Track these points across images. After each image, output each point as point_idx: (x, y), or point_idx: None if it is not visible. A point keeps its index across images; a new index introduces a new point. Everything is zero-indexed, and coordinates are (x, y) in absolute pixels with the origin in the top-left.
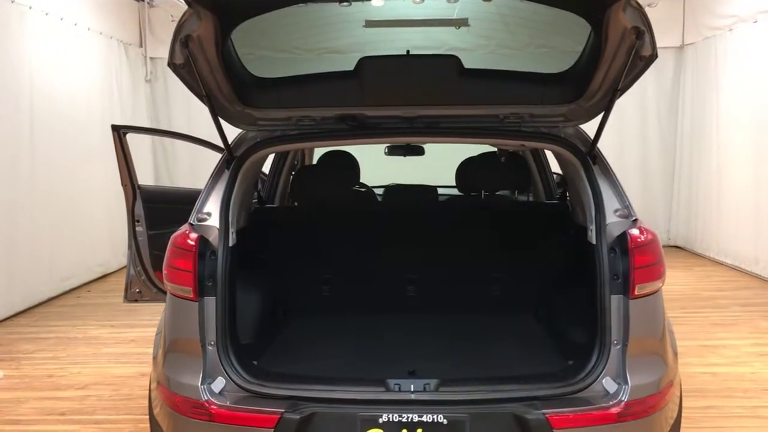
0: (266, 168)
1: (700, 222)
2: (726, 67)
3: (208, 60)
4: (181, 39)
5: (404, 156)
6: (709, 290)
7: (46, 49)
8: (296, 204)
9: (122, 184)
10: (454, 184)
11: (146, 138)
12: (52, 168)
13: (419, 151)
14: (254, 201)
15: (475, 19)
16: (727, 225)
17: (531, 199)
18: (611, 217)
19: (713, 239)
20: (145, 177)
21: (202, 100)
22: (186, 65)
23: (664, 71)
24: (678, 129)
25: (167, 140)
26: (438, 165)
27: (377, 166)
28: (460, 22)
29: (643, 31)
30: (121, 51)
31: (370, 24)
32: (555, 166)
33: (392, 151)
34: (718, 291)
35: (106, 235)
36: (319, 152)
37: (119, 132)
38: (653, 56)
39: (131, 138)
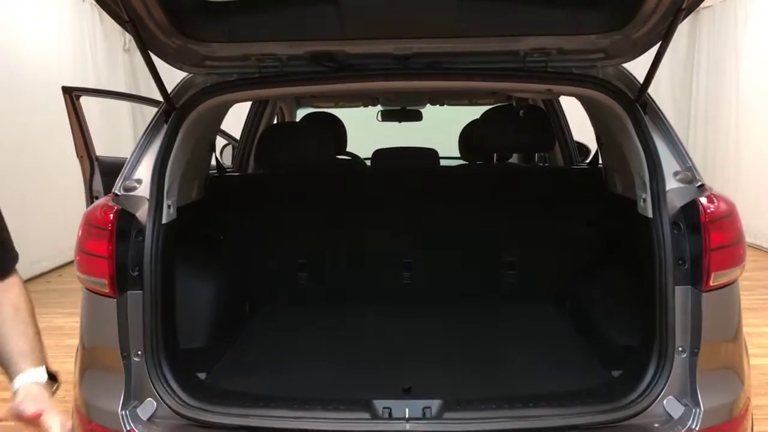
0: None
1: None
2: (747, 32)
3: None
4: None
5: (399, 122)
6: None
7: (8, 8)
8: (265, 172)
9: (78, 156)
10: (457, 155)
11: (127, 109)
12: (17, 139)
13: (416, 116)
14: (213, 171)
15: None
16: (746, 201)
17: (547, 165)
18: (671, 182)
19: None
20: (125, 151)
21: (124, 28)
22: None
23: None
24: (692, 100)
25: (147, 111)
26: (438, 136)
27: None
28: None
29: None
30: (95, 16)
31: None
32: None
33: (386, 117)
34: None
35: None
36: (301, 116)
37: (71, 95)
38: None
39: (115, 109)
